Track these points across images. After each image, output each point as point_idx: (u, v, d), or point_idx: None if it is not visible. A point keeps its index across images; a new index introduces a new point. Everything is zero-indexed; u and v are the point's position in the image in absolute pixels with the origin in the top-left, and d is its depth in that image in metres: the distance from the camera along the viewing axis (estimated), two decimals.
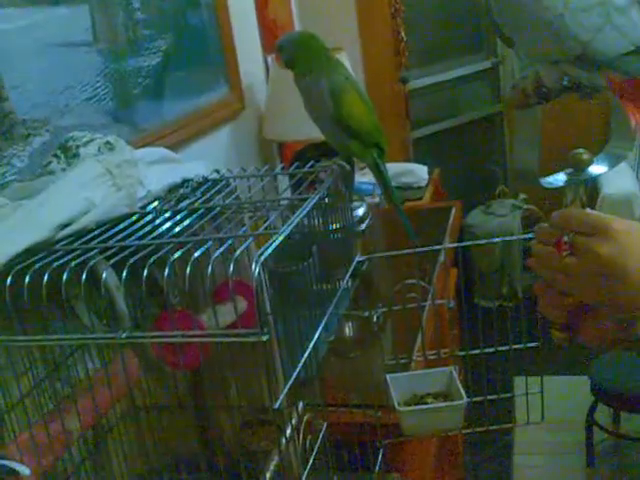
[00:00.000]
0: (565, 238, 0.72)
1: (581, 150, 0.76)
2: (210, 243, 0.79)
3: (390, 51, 3.22)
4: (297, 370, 0.78)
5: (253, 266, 0.69)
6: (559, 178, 0.79)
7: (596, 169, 0.78)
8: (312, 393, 1.08)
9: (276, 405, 0.71)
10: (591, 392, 2.41)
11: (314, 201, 0.90)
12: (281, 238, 0.77)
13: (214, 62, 2.21)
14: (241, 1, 2.42)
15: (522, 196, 3.74)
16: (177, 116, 1.88)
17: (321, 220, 1.04)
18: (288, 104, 2.36)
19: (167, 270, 0.73)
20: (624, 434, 2.56)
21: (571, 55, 0.72)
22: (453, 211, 2.32)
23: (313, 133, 2.29)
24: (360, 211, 1.86)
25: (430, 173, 2.89)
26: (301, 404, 1.00)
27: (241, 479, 0.97)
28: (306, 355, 0.85)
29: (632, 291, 0.68)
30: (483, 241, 2.99)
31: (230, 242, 0.78)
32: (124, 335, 0.77)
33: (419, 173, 2.83)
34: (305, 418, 0.90)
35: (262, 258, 0.70)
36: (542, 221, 3.64)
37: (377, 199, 2.60)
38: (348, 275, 1.05)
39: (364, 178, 2.60)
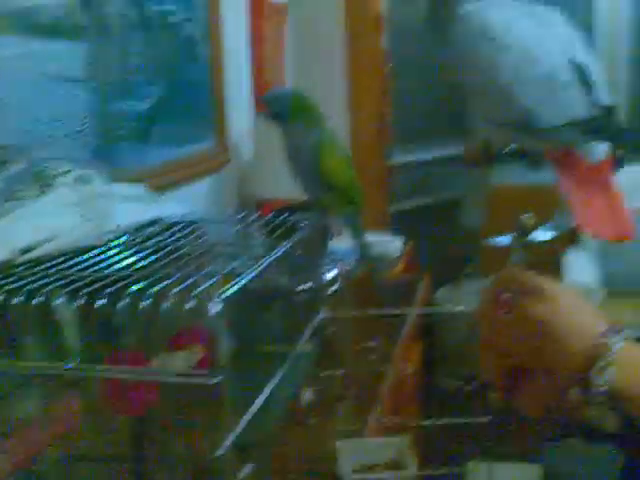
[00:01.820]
0: (504, 297, 0.73)
1: (528, 215, 0.79)
2: (173, 279, 0.78)
3: (377, 126, 3.29)
4: (245, 420, 0.76)
5: (211, 306, 0.68)
6: (504, 239, 0.82)
7: (541, 235, 0.82)
8: (261, 458, 1.05)
9: (219, 452, 0.69)
10: None
11: (285, 248, 0.89)
12: (245, 281, 0.76)
13: (203, 115, 2.23)
14: (237, 61, 2.47)
15: (490, 278, 3.76)
16: (159, 162, 1.89)
17: (290, 273, 1.03)
18: (272, 162, 2.39)
19: (123, 302, 0.72)
20: None
21: (514, 120, 0.77)
22: (422, 284, 2.33)
23: (295, 192, 2.34)
24: (331, 274, 1.85)
25: (404, 246, 2.92)
26: (248, 466, 0.97)
27: None
28: (256, 408, 0.83)
29: (561, 353, 0.69)
30: (447, 309, 3.00)
31: (193, 279, 0.77)
32: (70, 366, 0.75)
33: (394, 244, 2.85)
34: (244, 473, 0.87)
35: (225, 296, 0.69)
36: None
37: (349, 266, 2.62)
38: (309, 331, 1.04)
39: (338, 245, 2.62)
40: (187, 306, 0.70)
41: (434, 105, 4.11)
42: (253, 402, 0.83)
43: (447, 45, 0.78)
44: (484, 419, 1.09)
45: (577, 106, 0.75)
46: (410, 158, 3.84)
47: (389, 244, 2.85)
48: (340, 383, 1.49)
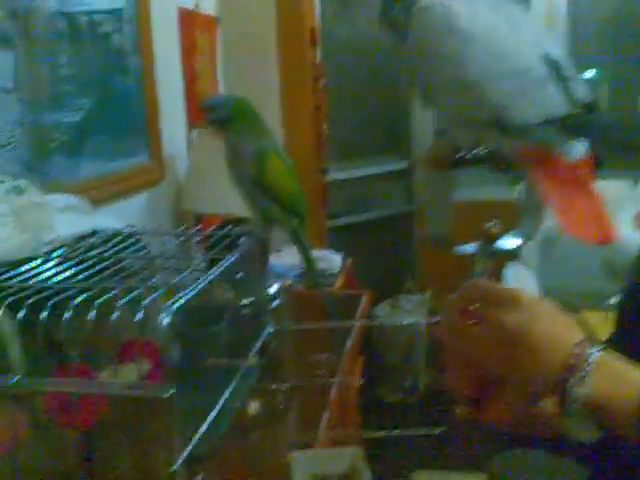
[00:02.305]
0: (471, 307, 0.71)
1: (492, 223, 0.77)
2: (116, 291, 0.74)
3: (312, 142, 3.28)
4: (199, 434, 0.72)
5: (162, 317, 0.65)
6: (469, 248, 0.80)
7: (506, 243, 0.80)
8: (210, 470, 1.01)
9: (173, 467, 0.65)
10: None
11: (231, 260, 0.87)
12: (192, 293, 0.73)
13: (136, 128, 2.18)
14: (169, 74, 2.43)
15: (428, 293, 3.81)
16: (93, 175, 1.84)
17: (234, 287, 1.00)
18: (209, 177, 2.35)
19: (67, 314, 0.67)
20: None
21: (484, 120, 0.73)
22: (363, 299, 2.32)
23: (232, 207, 2.30)
24: (272, 289, 1.83)
25: (343, 262, 2.91)
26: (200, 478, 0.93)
27: None
28: (208, 422, 0.80)
29: (537, 362, 0.67)
30: (397, 322, 2.99)
31: (139, 291, 0.74)
32: (13, 380, 0.70)
33: (333, 260, 2.85)
34: None
35: (173, 308, 0.66)
36: None
37: (290, 281, 2.59)
38: (258, 345, 1.01)
39: (278, 260, 2.59)
40: (136, 318, 0.67)
41: (369, 121, 4.16)
42: (204, 415, 0.80)
43: (405, 43, 0.74)
44: (439, 429, 1.08)
45: (554, 103, 0.71)
46: (347, 175, 3.86)
47: (328, 260, 2.84)
48: (285, 396, 1.47)
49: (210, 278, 0.82)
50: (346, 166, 3.89)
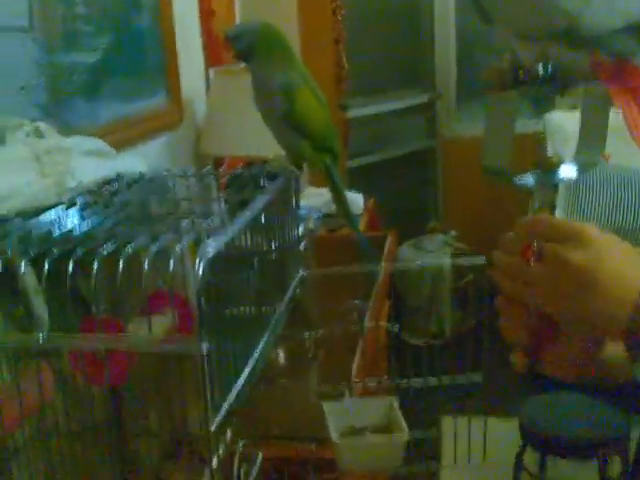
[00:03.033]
0: (533, 245, 0.66)
1: (550, 151, 0.72)
2: (145, 238, 0.70)
3: (331, 77, 3.19)
4: (236, 389, 0.70)
5: (197, 263, 0.61)
6: (528, 179, 0.74)
7: (565, 172, 0.74)
8: (242, 422, 0.99)
9: (212, 427, 0.63)
10: (520, 435, 2.38)
11: (265, 200, 0.82)
12: (229, 236, 0.69)
13: (154, 69, 2.12)
14: (186, 12, 2.35)
15: (452, 233, 3.76)
16: (112, 119, 1.79)
17: (264, 230, 0.96)
18: (228, 119, 2.30)
19: (96, 264, 0.64)
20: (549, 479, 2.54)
21: (556, 31, 0.66)
22: (389, 240, 2.29)
23: (252, 149, 2.26)
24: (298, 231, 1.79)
25: (365, 202, 2.86)
26: (229, 433, 0.91)
27: None
28: (245, 376, 0.77)
29: (605, 302, 0.63)
30: (430, 262, 2.94)
31: (168, 239, 0.70)
32: (42, 338, 0.67)
33: (355, 201, 2.80)
34: (240, 447, 0.81)
35: (208, 255, 0.62)
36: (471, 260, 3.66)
37: (311, 224, 2.55)
38: (291, 290, 0.98)
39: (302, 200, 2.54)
40: (170, 268, 0.63)
41: (390, 55, 4.03)
42: (237, 369, 0.77)
43: None
44: (478, 377, 1.05)
45: (633, 8, 0.64)
46: (367, 111, 3.75)
47: (350, 201, 2.79)
48: (313, 343, 1.44)
49: (242, 222, 0.77)
50: (366, 102, 3.78)
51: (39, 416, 0.82)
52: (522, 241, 0.68)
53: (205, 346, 0.61)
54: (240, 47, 1.03)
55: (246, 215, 0.81)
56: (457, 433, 1.14)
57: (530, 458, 2.49)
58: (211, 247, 0.65)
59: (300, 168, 1.05)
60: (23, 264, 0.73)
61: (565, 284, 0.64)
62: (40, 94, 1.49)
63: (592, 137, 0.75)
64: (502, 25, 0.70)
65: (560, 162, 0.72)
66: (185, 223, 0.85)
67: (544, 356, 0.72)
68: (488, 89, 0.72)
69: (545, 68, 0.69)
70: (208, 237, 0.72)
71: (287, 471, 1.03)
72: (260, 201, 0.87)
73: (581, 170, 0.75)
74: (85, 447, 0.90)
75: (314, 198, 2.72)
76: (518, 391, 2.83)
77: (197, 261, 0.62)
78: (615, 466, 2.38)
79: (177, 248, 0.68)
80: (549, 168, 0.71)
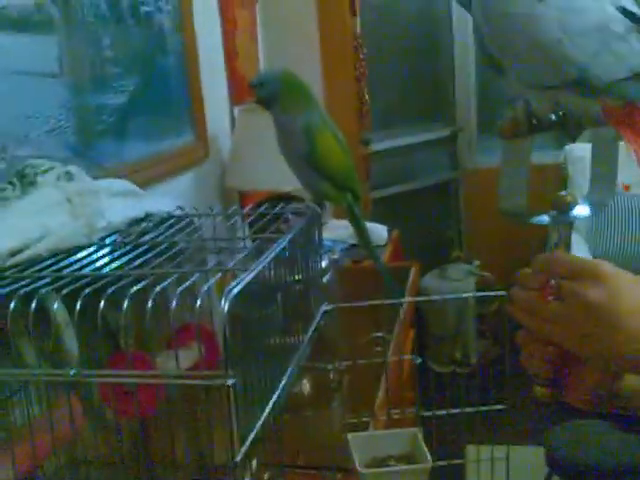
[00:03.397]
0: (551, 282, 0.68)
1: (564, 192, 0.74)
2: (174, 276, 0.73)
3: (354, 113, 3.24)
4: (261, 421, 0.72)
5: (222, 302, 0.64)
6: (543, 218, 0.76)
7: (580, 211, 0.76)
8: (267, 452, 1.01)
9: (237, 458, 0.65)
10: (546, 463, 2.36)
11: (287, 239, 0.85)
12: (252, 275, 0.72)
13: (180, 108, 2.18)
14: (211, 53, 2.42)
15: (476, 262, 3.76)
16: (139, 158, 1.84)
17: (288, 265, 0.99)
18: (252, 155, 2.35)
19: (126, 302, 0.67)
20: None
21: (567, 80, 0.70)
22: (412, 271, 2.30)
23: (275, 183, 2.30)
24: (322, 264, 1.82)
25: (389, 233, 2.89)
26: (255, 463, 0.93)
27: None
28: (270, 406, 0.80)
29: (622, 337, 0.65)
30: (452, 296, 2.94)
31: (196, 277, 0.73)
32: (72, 372, 0.70)
33: (379, 232, 2.82)
34: (266, 477, 0.83)
35: (233, 293, 0.65)
36: (495, 288, 3.66)
37: (336, 255, 2.58)
38: (315, 324, 1.00)
39: (324, 234, 2.57)
40: (197, 304, 0.66)
41: (411, 90, 4.09)
42: (262, 400, 0.79)
43: (473, 7, 0.71)
44: (500, 407, 1.06)
45: (637, 56, 0.67)
46: (389, 144, 3.81)
47: (374, 232, 2.82)
48: (337, 374, 1.46)
49: (267, 260, 0.80)
50: (388, 136, 3.84)
51: (68, 447, 0.85)
52: (540, 278, 0.70)
53: (231, 378, 0.63)
54: (263, 94, 1.08)
55: (271, 253, 0.84)
56: (480, 461, 1.15)
57: None
58: (236, 286, 0.68)
59: (322, 206, 1.08)
60: (56, 302, 0.77)
61: (583, 321, 0.66)
62: (70, 135, 1.55)
63: (603, 178, 0.77)
64: (515, 76, 0.73)
65: (574, 201, 0.74)
66: (211, 261, 0.88)
67: (565, 387, 0.73)
68: (503, 137, 0.75)
69: (557, 115, 0.72)
70: (234, 275, 0.75)
71: None
72: (284, 239, 0.90)
73: (594, 210, 0.77)
74: (113, 477, 0.92)
75: (339, 230, 2.75)
76: (543, 420, 2.81)
77: (223, 299, 0.65)
78: None
79: (205, 287, 0.71)
80: (563, 207, 0.74)
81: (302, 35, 3.06)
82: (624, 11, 0.68)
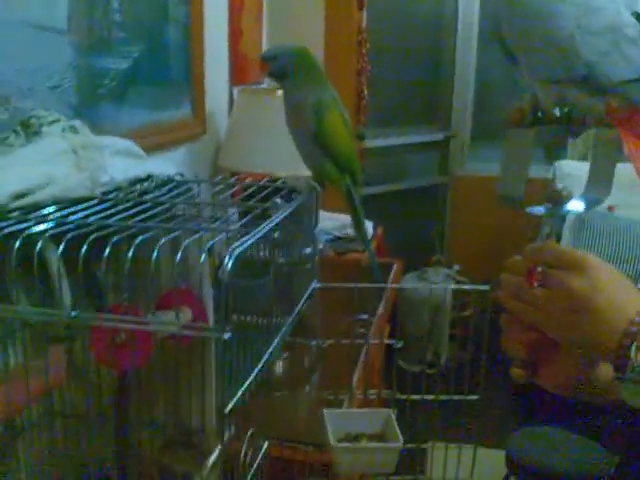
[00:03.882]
0: (538, 270, 0.71)
1: (560, 186, 0.77)
2: (178, 232, 0.75)
3: (351, 107, 3.26)
4: (245, 385, 0.73)
5: (226, 260, 0.66)
6: (538, 209, 0.79)
7: (574, 206, 0.79)
8: (244, 422, 1.03)
9: (227, 409, 0.66)
10: (505, 464, 2.41)
11: (289, 210, 0.87)
12: (253, 239, 0.74)
13: (181, 81, 2.18)
14: (216, 30, 2.42)
15: (456, 267, 3.80)
16: (137, 125, 1.84)
17: (285, 238, 1.00)
18: (248, 136, 2.35)
19: (131, 251, 0.68)
20: None
21: (575, 76, 0.72)
22: (395, 267, 2.33)
23: (268, 167, 2.31)
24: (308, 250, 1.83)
25: (374, 230, 2.91)
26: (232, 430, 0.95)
27: None
28: (254, 374, 0.81)
29: (599, 328, 0.68)
30: (438, 286, 2.96)
31: (200, 235, 0.74)
32: (73, 314, 0.71)
33: (356, 236, 2.85)
34: (248, 434, 0.85)
35: (236, 252, 0.67)
36: (472, 293, 3.69)
37: (321, 246, 2.60)
38: (304, 300, 1.02)
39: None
40: (201, 260, 0.67)
41: (410, 91, 4.12)
42: (250, 365, 0.81)
43: None
44: (473, 397, 1.09)
45: None
46: (383, 142, 3.83)
47: None
48: (315, 354, 1.48)
49: (270, 226, 0.82)
50: (382, 134, 3.86)
51: (48, 398, 0.86)
52: (528, 265, 0.73)
53: (228, 333, 0.65)
54: (276, 67, 1.09)
55: (273, 220, 0.86)
56: (447, 455, 1.18)
57: None
58: (240, 246, 0.69)
59: (323, 187, 1.10)
60: (53, 250, 0.78)
61: (565, 309, 0.69)
62: (71, 95, 1.55)
63: (600, 178, 0.80)
64: (525, 67, 0.76)
65: (569, 196, 0.77)
66: (205, 224, 0.89)
67: (541, 370, 0.77)
68: (508, 125, 0.78)
69: (562, 111, 0.75)
70: (227, 237, 0.76)
71: (284, 472, 1.06)
72: (285, 210, 0.91)
73: (588, 206, 0.80)
74: (89, 431, 0.93)
75: (326, 221, 2.77)
76: (509, 422, 2.85)
77: (227, 257, 0.66)
78: None
79: (202, 246, 0.72)
80: (559, 201, 0.77)
81: (307, 22, 3.06)
82: (638, 17, 0.71)
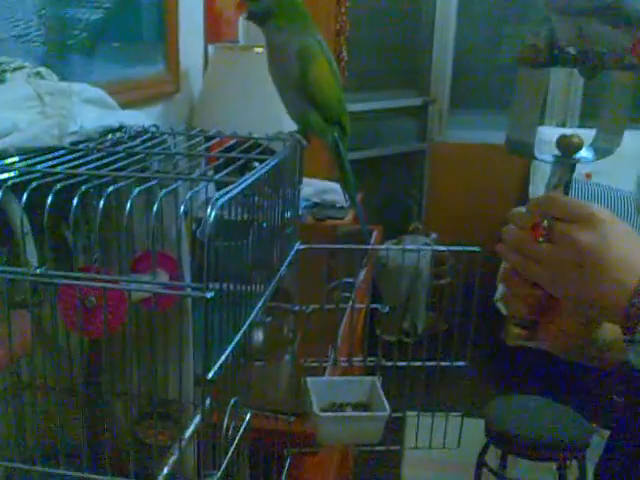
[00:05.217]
0: (544, 223, 0.66)
1: (570, 133, 0.71)
2: (155, 181, 0.68)
3: None
4: (232, 345, 0.68)
5: (209, 210, 0.59)
6: (547, 157, 0.74)
7: (585, 155, 0.74)
8: (225, 391, 0.97)
9: (210, 374, 0.61)
10: (484, 433, 2.41)
11: (272, 163, 0.80)
12: (237, 190, 0.67)
13: (154, 37, 2.09)
14: None
15: (434, 235, 3.77)
16: (108, 80, 1.75)
17: (269, 192, 0.94)
18: (223, 96, 2.27)
19: (75, 200, 0.61)
20: (509, 478, 2.56)
21: (598, 5, 0.65)
22: (375, 234, 2.28)
23: (244, 129, 2.23)
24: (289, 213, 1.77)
25: None
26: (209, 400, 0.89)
27: (129, 473, 0.85)
28: (236, 340, 0.75)
29: (606, 285, 0.63)
30: (428, 248, 2.94)
31: (179, 184, 0.68)
32: (39, 271, 0.64)
33: (343, 194, 2.78)
34: (231, 403, 0.80)
35: (219, 203, 0.61)
36: (449, 262, 3.67)
37: (300, 211, 2.54)
38: (287, 261, 0.96)
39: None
40: (181, 210, 0.61)
41: (389, 54, 4.04)
42: (232, 330, 0.75)
43: None
44: (461, 363, 1.05)
45: None
46: (361, 107, 3.75)
47: (339, 192, 2.78)
48: (296, 319, 1.43)
49: (254, 177, 0.75)
50: (360, 99, 3.78)
51: (14, 369, 0.80)
52: (533, 218, 0.68)
53: (210, 292, 0.59)
54: (256, 8, 0.99)
55: (257, 171, 0.79)
56: (421, 425, 1.15)
57: (495, 456, 2.52)
58: (224, 195, 0.63)
59: (308, 140, 1.03)
60: (14, 201, 0.71)
61: (571, 265, 0.64)
62: (39, 45, 1.46)
63: (612, 125, 0.75)
64: None
65: (580, 144, 0.72)
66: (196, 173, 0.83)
67: (542, 331, 0.72)
68: (521, 65, 0.72)
69: (578, 50, 0.69)
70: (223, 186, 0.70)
71: (265, 444, 1.01)
72: (270, 162, 0.85)
73: (598, 155, 0.75)
74: (59, 403, 0.87)
75: (304, 187, 2.71)
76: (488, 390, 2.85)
77: (210, 207, 0.60)
78: (573, 470, 2.42)
79: (197, 188, 0.66)
80: (569, 148, 0.71)
81: None
82: None
